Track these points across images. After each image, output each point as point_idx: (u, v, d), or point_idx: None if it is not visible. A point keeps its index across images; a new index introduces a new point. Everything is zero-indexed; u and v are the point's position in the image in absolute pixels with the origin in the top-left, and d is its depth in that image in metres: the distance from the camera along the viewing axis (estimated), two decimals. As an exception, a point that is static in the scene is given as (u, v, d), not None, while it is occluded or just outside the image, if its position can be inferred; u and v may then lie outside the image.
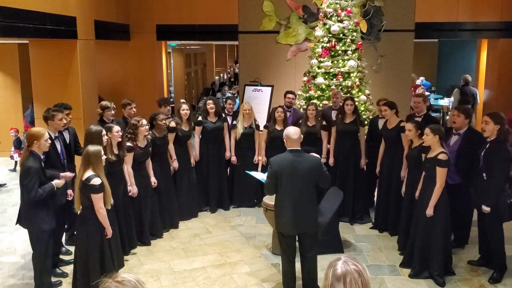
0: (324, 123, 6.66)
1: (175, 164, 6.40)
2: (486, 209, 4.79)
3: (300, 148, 4.47)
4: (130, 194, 5.53)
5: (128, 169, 5.52)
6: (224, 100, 12.93)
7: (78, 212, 4.44)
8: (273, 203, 5.44)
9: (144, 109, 7.56)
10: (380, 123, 6.34)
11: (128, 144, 5.50)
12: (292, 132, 4.44)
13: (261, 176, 5.49)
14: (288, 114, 7.15)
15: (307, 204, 4.44)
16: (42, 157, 4.58)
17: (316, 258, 4.66)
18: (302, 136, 4.57)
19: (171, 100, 11.99)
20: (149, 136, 5.87)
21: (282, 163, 4.38)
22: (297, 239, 4.60)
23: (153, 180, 5.91)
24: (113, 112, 6.19)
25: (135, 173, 5.61)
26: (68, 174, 4.97)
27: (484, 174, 4.84)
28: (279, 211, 4.51)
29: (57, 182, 4.54)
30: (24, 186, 4.42)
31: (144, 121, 5.71)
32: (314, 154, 4.65)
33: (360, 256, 5.54)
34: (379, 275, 5.11)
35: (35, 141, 4.46)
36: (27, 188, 4.37)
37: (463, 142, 5.35)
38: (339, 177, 6.48)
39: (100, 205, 4.31)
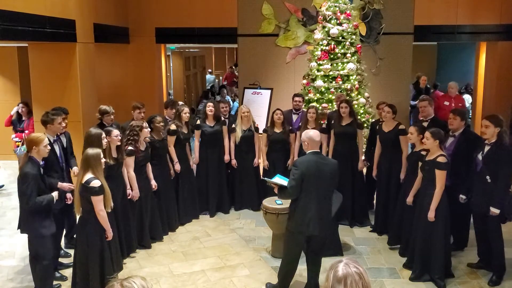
0: (323, 126, 6.67)
1: (177, 167, 6.39)
2: (495, 211, 4.78)
3: (319, 150, 4.53)
4: (129, 197, 5.52)
5: (130, 173, 5.50)
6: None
7: (79, 216, 4.43)
8: (272, 206, 5.47)
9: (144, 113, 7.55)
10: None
11: (130, 148, 5.50)
12: (314, 134, 4.49)
13: (280, 180, 4.82)
14: (296, 117, 7.16)
15: (327, 205, 4.51)
16: (41, 163, 4.56)
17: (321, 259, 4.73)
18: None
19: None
20: (147, 139, 5.87)
21: (309, 165, 4.39)
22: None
23: (153, 183, 5.90)
24: (112, 117, 6.19)
25: (137, 177, 5.61)
26: (67, 185, 4.96)
27: (488, 177, 4.84)
28: (302, 212, 4.44)
29: (56, 195, 4.54)
30: (22, 192, 4.40)
31: (146, 124, 5.72)
32: None
33: (359, 259, 5.53)
34: (378, 278, 5.10)
35: (34, 147, 4.45)
36: (25, 194, 4.35)
37: (459, 143, 5.38)
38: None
39: (100, 207, 4.30)
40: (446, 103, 8.45)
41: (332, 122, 6.65)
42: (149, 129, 5.77)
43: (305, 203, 4.43)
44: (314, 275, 4.69)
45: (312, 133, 4.51)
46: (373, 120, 7.24)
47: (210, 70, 17.60)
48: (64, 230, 5.62)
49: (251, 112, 7.04)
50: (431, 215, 4.77)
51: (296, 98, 7.22)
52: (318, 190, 4.39)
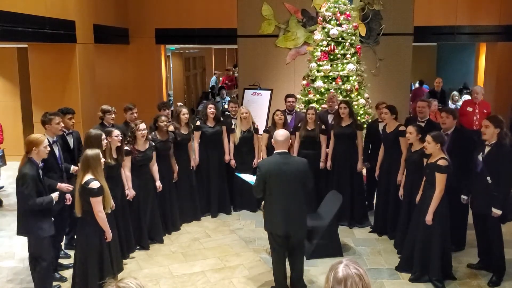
0: (323, 127, 6.67)
1: (175, 168, 6.40)
2: (497, 212, 4.78)
3: (287, 151, 4.58)
4: (127, 197, 5.52)
5: (125, 173, 5.50)
6: (223, 103, 12.96)
7: (79, 216, 4.43)
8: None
9: (143, 113, 7.56)
10: (380, 127, 6.35)
11: (126, 148, 5.50)
12: (279, 134, 4.55)
13: (249, 178, 5.59)
14: (290, 117, 7.15)
15: (295, 205, 4.54)
16: (40, 164, 4.55)
17: (303, 255, 4.80)
18: (289, 139, 4.67)
19: (171, 103, 12.01)
20: (149, 136, 5.87)
21: (270, 166, 4.50)
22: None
23: (158, 184, 5.89)
24: (113, 116, 6.19)
25: (135, 177, 5.60)
26: (65, 186, 4.94)
27: (489, 178, 4.83)
28: (269, 212, 4.63)
29: (56, 196, 4.53)
30: (19, 193, 4.39)
31: (142, 125, 5.69)
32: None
33: (359, 259, 5.52)
34: (378, 279, 5.10)
35: (34, 148, 4.44)
36: (23, 196, 4.34)
37: (452, 142, 5.39)
38: (336, 181, 6.49)
39: (99, 208, 4.30)
40: (470, 109, 7.61)
41: (331, 122, 6.66)
42: (144, 132, 5.72)
43: (270, 203, 4.58)
44: (295, 272, 4.74)
45: (279, 133, 4.57)
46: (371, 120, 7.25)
47: (216, 72, 17.62)
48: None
49: (251, 113, 7.06)
50: (428, 217, 4.75)
51: (289, 99, 7.21)
52: (282, 190, 4.47)
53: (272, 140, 4.63)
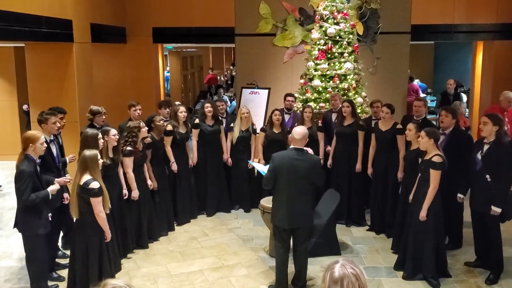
0: (320, 124, 6.67)
1: (173, 167, 6.39)
2: (497, 210, 4.80)
3: (302, 148, 4.62)
4: (125, 197, 5.51)
5: (129, 174, 5.49)
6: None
7: (75, 218, 4.42)
8: (270, 206, 5.47)
9: (141, 112, 7.53)
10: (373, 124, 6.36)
11: (129, 148, 5.48)
12: (297, 132, 4.62)
13: (262, 168, 5.72)
14: (288, 117, 7.16)
15: (302, 200, 4.59)
16: (38, 160, 4.56)
17: (307, 252, 4.82)
18: (307, 137, 4.69)
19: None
20: (149, 139, 5.87)
21: (283, 160, 4.57)
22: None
23: (150, 183, 5.90)
24: (104, 117, 6.15)
25: (135, 177, 5.60)
26: (64, 179, 4.94)
27: (488, 176, 4.84)
28: (276, 205, 4.69)
29: (52, 189, 4.51)
30: (17, 189, 4.40)
31: (143, 124, 5.72)
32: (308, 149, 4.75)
33: (357, 258, 5.54)
34: (376, 277, 5.11)
35: (30, 144, 4.44)
36: (19, 192, 4.35)
37: (449, 141, 5.40)
38: (335, 180, 6.49)
39: (100, 208, 4.30)
40: None
41: (335, 120, 6.66)
42: (147, 129, 5.75)
43: (277, 196, 4.66)
44: (298, 268, 4.77)
45: (297, 131, 4.63)
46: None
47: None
48: (62, 230, 5.62)
49: (251, 113, 7.06)
50: (422, 214, 4.78)
51: (289, 98, 7.22)
52: (290, 184, 4.54)
53: (289, 135, 4.70)
